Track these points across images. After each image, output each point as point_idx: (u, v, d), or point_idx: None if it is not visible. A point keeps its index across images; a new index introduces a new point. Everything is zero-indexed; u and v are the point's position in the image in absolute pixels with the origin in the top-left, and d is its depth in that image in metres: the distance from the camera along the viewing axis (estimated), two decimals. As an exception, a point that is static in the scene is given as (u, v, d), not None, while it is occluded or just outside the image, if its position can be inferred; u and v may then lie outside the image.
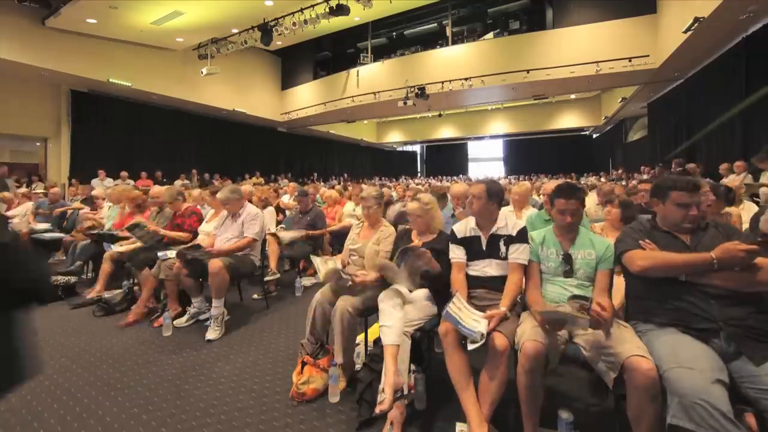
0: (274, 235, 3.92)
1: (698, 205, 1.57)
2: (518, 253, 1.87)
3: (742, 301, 1.40)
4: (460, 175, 19.27)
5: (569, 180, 9.69)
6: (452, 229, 2.07)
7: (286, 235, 3.94)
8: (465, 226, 2.03)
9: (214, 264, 2.79)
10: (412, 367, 1.98)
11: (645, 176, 8.88)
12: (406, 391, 1.83)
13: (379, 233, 2.44)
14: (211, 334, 2.76)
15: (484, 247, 1.95)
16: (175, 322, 2.96)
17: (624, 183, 8.38)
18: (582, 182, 10.99)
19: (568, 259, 1.78)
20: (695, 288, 1.46)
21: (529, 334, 1.54)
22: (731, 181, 5.38)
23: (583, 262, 1.76)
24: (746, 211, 3.21)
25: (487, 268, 1.93)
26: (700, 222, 1.60)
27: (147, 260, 3.19)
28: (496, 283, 1.88)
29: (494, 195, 1.94)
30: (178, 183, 9.18)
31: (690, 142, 7.70)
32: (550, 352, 1.49)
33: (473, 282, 1.95)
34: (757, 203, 4.15)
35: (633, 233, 1.68)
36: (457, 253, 1.99)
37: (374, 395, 1.84)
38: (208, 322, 2.88)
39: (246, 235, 3.08)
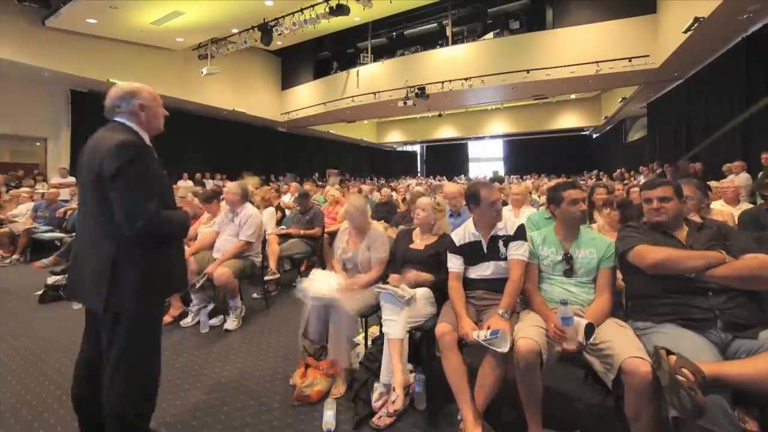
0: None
1: (662, 200, 1.64)
2: (516, 249, 1.85)
3: (737, 295, 1.44)
4: (461, 176, 19.22)
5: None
6: (450, 237, 2.05)
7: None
8: (464, 232, 2.00)
9: (220, 275, 2.82)
10: (410, 366, 1.99)
11: (643, 177, 8.89)
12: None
13: (367, 240, 2.38)
14: (230, 324, 2.96)
15: (485, 251, 1.93)
16: (181, 323, 3.01)
17: (625, 182, 8.38)
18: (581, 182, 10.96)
19: (568, 258, 1.78)
20: (694, 284, 1.48)
21: (523, 332, 1.55)
22: (729, 181, 5.38)
23: (583, 261, 1.76)
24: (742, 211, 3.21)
25: (488, 270, 1.92)
26: (676, 219, 1.64)
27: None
28: (495, 285, 1.88)
29: (469, 199, 1.96)
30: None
31: (703, 145, 7.66)
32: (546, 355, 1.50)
33: (473, 283, 1.95)
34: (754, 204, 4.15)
35: (635, 230, 1.69)
36: (454, 263, 1.97)
37: (370, 393, 1.85)
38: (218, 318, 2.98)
39: (240, 239, 3.09)
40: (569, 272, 1.78)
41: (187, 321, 3.02)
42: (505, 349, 1.53)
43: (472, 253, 1.96)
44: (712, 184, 4.06)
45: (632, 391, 1.33)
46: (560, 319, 1.49)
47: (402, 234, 2.43)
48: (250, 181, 8.77)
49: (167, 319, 3.03)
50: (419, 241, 2.27)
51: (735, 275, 1.41)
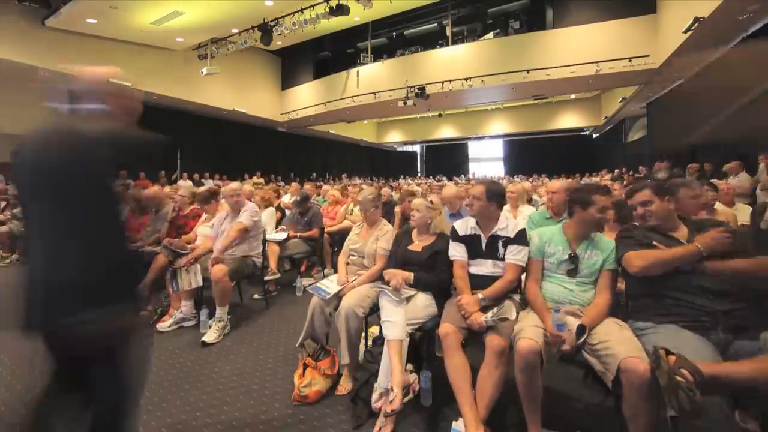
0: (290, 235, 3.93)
1: (643, 204, 1.67)
2: (515, 254, 1.86)
3: (738, 297, 1.45)
4: (462, 176, 19.20)
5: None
6: (453, 227, 2.07)
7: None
8: (465, 225, 2.03)
9: (217, 271, 2.79)
10: (410, 367, 1.99)
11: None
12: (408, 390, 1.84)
13: (377, 231, 2.47)
14: (209, 336, 2.70)
15: (483, 248, 1.94)
16: (158, 326, 2.90)
17: (625, 182, 8.37)
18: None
19: (574, 259, 1.78)
20: (695, 285, 1.49)
21: (524, 332, 1.55)
22: (725, 183, 5.37)
23: (588, 263, 1.77)
24: (740, 212, 3.22)
25: (484, 268, 1.93)
26: (667, 219, 1.65)
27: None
28: (492, 284, 1.88)
29: (494, 196, 1.94)
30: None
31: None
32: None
33: (470, 280, 1.95)
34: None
35: (629, 235, 1.70)
36: (458, 251, 1.99)
37: (370, 394, 1.84)
38: (210, 323, 2.84)
39: (239, 220, 3.02)
40: (573, 272, 1.77)
41: (164, 326, 2.92)
42: (512, 316, 1.62)
43: (471, 247, 1.98)
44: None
45: (631, 390, 1.33)
46: (555, 326, 1.51)
47: (401, 235, 2.43)
48: None
49: (165, 319, 3.02)
50: (417, 242, 2.27)
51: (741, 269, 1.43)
